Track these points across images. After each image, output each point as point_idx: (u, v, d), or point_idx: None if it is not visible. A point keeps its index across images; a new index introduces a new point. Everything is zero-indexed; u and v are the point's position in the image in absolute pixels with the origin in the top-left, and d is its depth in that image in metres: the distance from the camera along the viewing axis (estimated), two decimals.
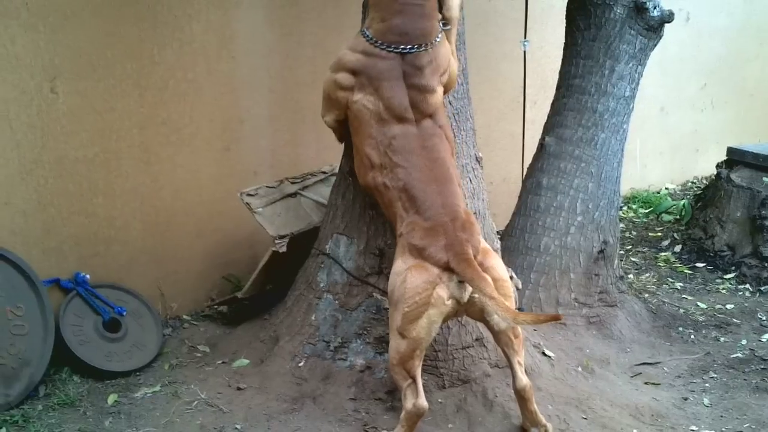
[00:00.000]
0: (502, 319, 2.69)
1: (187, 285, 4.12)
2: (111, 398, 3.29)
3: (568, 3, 4.14)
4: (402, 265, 2.78)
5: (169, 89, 3.87)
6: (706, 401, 3.38)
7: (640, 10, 3.99)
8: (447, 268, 2.69)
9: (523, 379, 2.87)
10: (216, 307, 4.13)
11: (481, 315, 2.80)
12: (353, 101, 2.93)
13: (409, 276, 2.72)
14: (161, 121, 3.87)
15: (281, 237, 3.64)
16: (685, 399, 3.40)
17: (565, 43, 4.18)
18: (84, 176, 3.69)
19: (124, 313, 3.69)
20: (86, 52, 3.59)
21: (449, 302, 2.70)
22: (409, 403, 2.77)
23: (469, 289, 2.70)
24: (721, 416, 3.26)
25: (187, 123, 3.96)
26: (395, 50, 2.87)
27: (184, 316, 4.08)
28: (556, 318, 2.76)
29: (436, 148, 2.89)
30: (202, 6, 3.90)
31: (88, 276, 3.69)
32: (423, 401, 2.77)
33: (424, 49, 2.89)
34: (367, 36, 2.92)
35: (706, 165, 5.48)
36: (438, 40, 2.93)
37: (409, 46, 2.87)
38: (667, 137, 6.68)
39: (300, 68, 4.30)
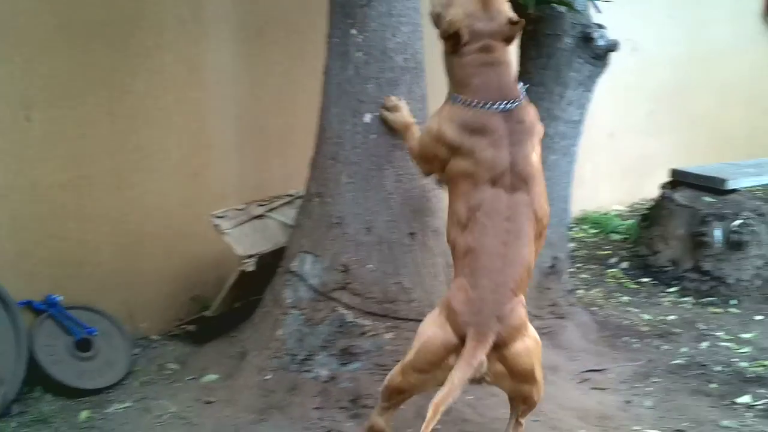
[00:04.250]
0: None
1: (156, 305, 4.21)
2: (83, 414, 3.37)
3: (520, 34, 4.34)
4: (435, 317, 2.77)
5: (140, 117, 3.99)
6: (648, 404, 3.55)
7: (587, 40, 4.16)
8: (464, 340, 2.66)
9: None
10: (184, 326, 4.23)
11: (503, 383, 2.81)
12: (453, 164, 2.89)
13: (433, 332, 2.73)
14: (132, 148, 3.99)
15: (249, 256, 3.74)
16: (629, 402, 3.56)
17: (518, 72, 4.31)
18: (57, 201, 3.79)
19: (95, 333, 3.76)
20: (60, 82, 3.72)
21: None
22: (372, 417, 2.95)
23: (484, 365, 2.67)
24: (662, 417, 3.43)
25: (157, 149, 4.08)
26: (492, 108, 2.82)
27: (154, 336, 4.17)
28: None
29: (521, 221, 2.80)
30: (172, 37, 4.04)
31: (60, 298, 3.77)
32: (382, 422, 2.92)
33: (518, 103, 2.85)
34: (462, 100, 2.87)
35: (652, 187, 5.69)
36: (522, 98, 2.90)
37: (504, 102, 2.83)
38: (616, 161, 6.88)
39: (266, 96, 4.44)
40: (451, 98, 2.94)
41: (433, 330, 2.74)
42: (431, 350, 2.72)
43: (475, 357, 2.62)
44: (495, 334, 2.65)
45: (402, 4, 3.31)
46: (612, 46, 4.21)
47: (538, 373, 2.82)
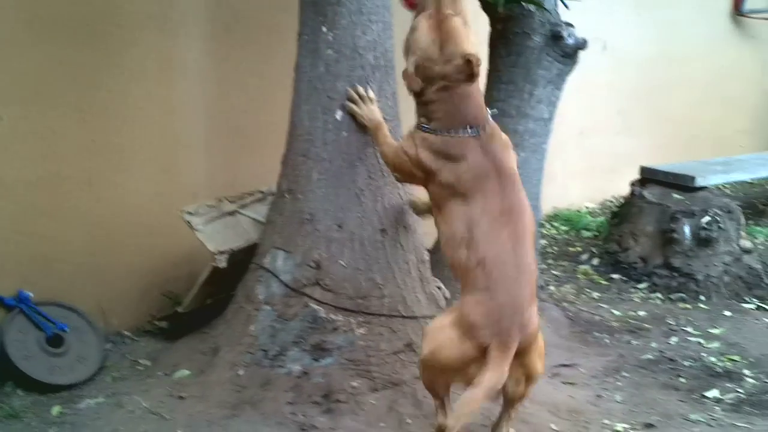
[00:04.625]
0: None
1: (128, 302, 4.20)
2: (55, 410, 3.36)
3: (490, 32, 4.37)
4: (447, 327, 2.79)
5: (110, 113, 3.97)
6: (618, 398, 3.61)
7: (556, 38, 4.22)
8: (485, 352, 2.69)
9: None
10: (156, 322, 4.22)
11: (518, 388, 2.88)
12: (435, 189, 2.97)
13: (447, 341, 2.76)
14: (102, 145, 3.97)
15: (221, 253, 3.75)
16: (599, 396, 3.62)
17: (488, 70, 4.37)
18: (27, 197, 3.77)
19: (67, 329, 3.75)
20: (29, 79, 3.70)
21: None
22: (437, 420, 2.97)
23: (504, 377, 2.72)
24: (632, 411, 3.49)
25: (127, 146, 4.06)
26: (461, 133, 2.89)
27: (125, 332, 4.16)
28: None
29: (520, 224, 2.86)
30: (142, 34, 4.02)
31: (31, 294, 3.75)
32: (445, 420, 2.91)
33: (481, 131, 2.91)
34: (430, 128, 2.94)
35: (622, 185, 5.76)
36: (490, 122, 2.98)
37: (473, 127, 2.90)
38: (586, 159, 6.94)
39: (236, 93, 4.44)
40: (421, 126, 3.00)
41: (446, 339, 2.77)
42: (447, 357, 2.77)
43: (502, 368, 2.67)
44: (517, 344, 2.70)
45: (372, 2, 3.33)
46: (581, 45, 4.27)
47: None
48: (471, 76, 2.89)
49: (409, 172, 3.06)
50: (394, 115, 3.50)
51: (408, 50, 2.96)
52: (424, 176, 2.99)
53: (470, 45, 2.91)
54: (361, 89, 3.34)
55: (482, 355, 2.69)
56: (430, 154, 2.93)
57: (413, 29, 2.96)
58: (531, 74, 4.24)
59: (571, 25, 4.26)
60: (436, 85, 2.90)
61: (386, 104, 3.43)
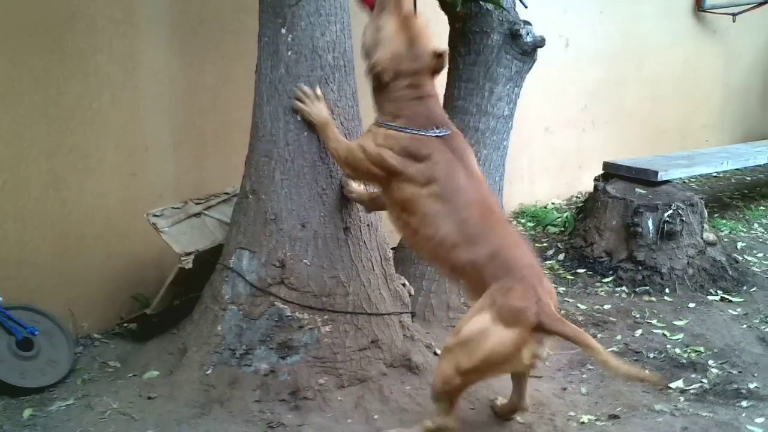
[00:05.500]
0: (606, 368, 2.87)
1: (97, 305, 4.23)
2: (26, 412, 3.38)
3: (450, 31, 4.42)
4: (488, 320, 2.84)
5: (76, 118, 4.00)
6: (583, 390, 3.67)
7: (514, 36, 4.28)
8: (537, 329, 2.82)
9: (527, 403, 3.25)
10: (126, 324, 4.25)
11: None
12: (403, 191, 3.04)
13: (499, 340, 2.82)
14: (68, 149, 4.00)
15: (187, 254, 3.78)
16: (564, 389, 3.67)
17: (448, 68, 4.37)
18: None
19: (37, 333, 3.75)
20: None
21: (529, 362, 2.87)
22: (439, 419, 3.01)
23: (548, 347, 2.90)
24: (596, 402, 3.54)
25: (93, 150, 4.09)
26: (428, 133, 3.01)
27: (95, 335, 4.18)
28: (653, 380, 3.13)
29: (496, 208, 3.07)
30: (106, 38, 4.05)
31: (0, 298, 3.76)
32: (452, 422, 3.00)
33: (451, 131, 3.07)
34: (395, 126, 3.03)
35: (588, 180, 5.81)
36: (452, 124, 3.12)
37: (443, 130, 3.04)
38: (552, 155, 6.99)
39: (202, 96, 4.47)
40: (384, 123, 3.07)
41: (499, 338, 2.82)
42: (503, 354, 2.84)
43: (572, 327, 2.89)
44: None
45: (330, 3, 3.37)
46: (539, 43, 4.32)
47: None
48: (438, 71, 3.06)
49: (366, 170, 3.13)
50: (354, 114, 3.55)
51: (372, 47, 3.05)
52: (386, 176, 3.05)
53: (434, 43, 3.05)
54: (307, 88, 3.36)
55: (532, 333, 2.82)
56: (395, 153, 3.01)
57: (379, 28, 3.04)
58: (490, 72, 4.29)
59: (528, 23, 4.32)
60: (404, 81, 3.00)
61: (346, 104, 3.48)
